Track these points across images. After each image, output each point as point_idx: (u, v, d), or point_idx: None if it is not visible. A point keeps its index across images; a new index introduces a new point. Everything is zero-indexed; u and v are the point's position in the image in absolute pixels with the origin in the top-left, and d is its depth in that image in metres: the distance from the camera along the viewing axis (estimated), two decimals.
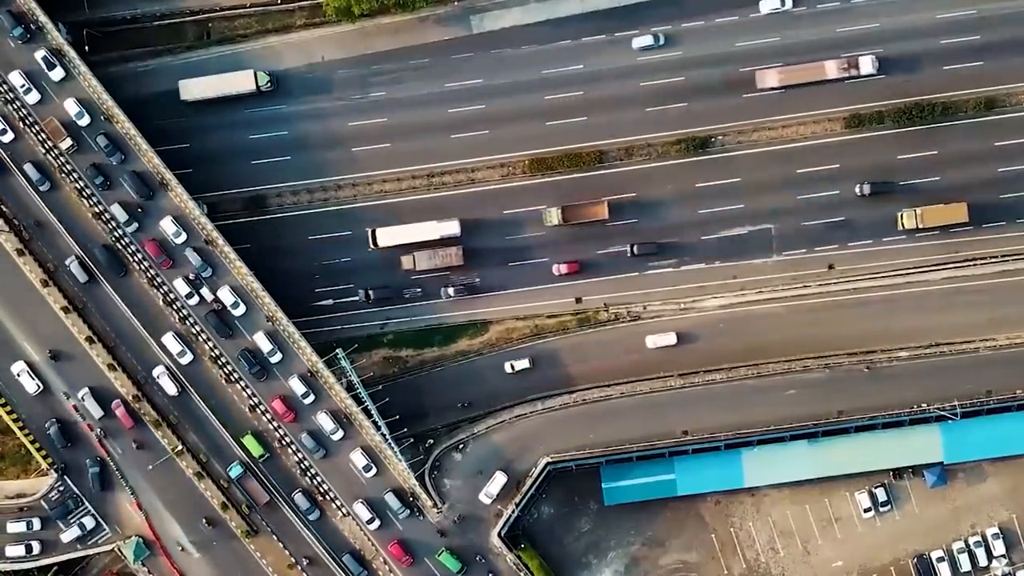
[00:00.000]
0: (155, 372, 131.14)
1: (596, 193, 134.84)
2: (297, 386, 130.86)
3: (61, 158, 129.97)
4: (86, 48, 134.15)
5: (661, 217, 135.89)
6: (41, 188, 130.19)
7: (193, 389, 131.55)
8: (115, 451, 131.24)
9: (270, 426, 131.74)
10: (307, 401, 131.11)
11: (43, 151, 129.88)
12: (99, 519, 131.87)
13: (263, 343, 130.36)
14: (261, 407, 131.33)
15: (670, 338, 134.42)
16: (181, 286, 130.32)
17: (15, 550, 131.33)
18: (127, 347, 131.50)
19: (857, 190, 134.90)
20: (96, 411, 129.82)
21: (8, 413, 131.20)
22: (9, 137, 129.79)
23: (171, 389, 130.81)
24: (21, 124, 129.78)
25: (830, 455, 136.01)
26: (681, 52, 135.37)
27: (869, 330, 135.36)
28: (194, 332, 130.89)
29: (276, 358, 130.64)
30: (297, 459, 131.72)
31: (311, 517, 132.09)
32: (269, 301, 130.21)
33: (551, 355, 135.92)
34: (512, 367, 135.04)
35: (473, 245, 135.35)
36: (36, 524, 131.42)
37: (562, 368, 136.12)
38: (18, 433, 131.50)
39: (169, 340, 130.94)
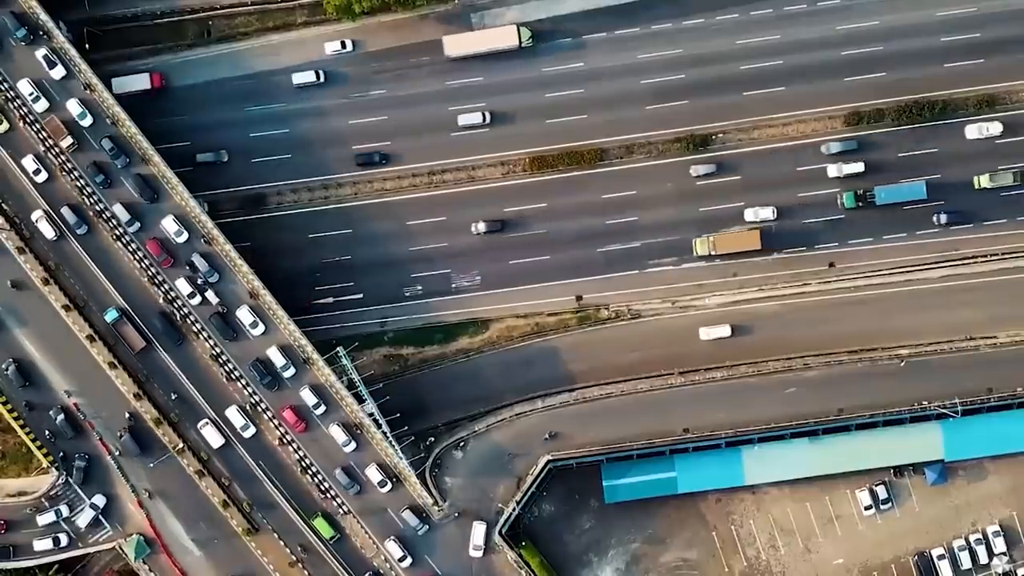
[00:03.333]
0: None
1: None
2: (308, 396, 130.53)
3: (62, 156, 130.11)
4: (86, 46, 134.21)
5: (661, 215, 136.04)
6: (78, 231, 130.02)
7: (259, 467, 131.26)
8: (115, 449, 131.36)
9: (334, 504, 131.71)
10: (318, 412, 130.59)
11: (77, 195, 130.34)
12: (92, 475, 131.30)
13: (276, 356, 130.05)
14: (266, 410, 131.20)
15: None
16: (183, 286, 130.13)
17: (42, 544, 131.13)
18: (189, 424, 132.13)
19: (473, 228, 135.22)
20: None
21: (9, 411, 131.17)
22: (43, 177, 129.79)
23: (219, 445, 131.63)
24: (29, 127, 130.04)
25: (831, 453, 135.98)
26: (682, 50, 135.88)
27: (869, 328, 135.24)
28: (258, 406, 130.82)
29: (289, 372, 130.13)
30: (368, 538, 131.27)
31: None
32: (271, 300, 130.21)
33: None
34: (708, 335, 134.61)
35: None
36: (65, 510, 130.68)
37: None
38: (19, 431, 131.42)
39: (233, 414, 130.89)
